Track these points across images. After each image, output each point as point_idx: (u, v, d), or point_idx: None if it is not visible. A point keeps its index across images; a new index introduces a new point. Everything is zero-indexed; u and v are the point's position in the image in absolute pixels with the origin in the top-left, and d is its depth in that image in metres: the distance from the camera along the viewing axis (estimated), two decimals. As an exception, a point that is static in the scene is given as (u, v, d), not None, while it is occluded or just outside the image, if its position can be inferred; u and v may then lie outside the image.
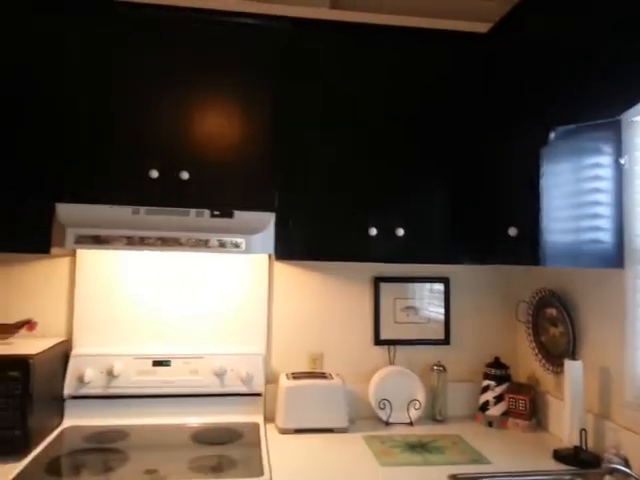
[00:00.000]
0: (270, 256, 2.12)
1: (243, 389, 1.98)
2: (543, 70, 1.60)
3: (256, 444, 1.74)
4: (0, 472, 1.46)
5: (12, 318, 1.93)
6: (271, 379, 2.09)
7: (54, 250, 1.70)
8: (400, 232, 1.83)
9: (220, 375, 1.97)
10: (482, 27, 1.96)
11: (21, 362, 1.58)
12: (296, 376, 1.99)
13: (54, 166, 1.68)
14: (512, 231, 1.63)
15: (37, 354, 1.64)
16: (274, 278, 2.15)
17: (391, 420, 2.02)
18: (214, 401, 1.98)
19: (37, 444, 1.66)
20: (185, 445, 1.72)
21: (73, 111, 1.70)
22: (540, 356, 2.04)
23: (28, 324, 1.82)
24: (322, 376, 1.99)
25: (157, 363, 1.96)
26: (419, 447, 1.79)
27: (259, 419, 1.97)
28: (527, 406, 1.99)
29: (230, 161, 1.78)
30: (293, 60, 1.84)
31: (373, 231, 1.82)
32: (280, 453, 1.70)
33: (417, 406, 2.04)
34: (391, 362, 2.17)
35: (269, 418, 2.00)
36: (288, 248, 1.82)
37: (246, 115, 1.79)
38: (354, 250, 1.84)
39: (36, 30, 1.69)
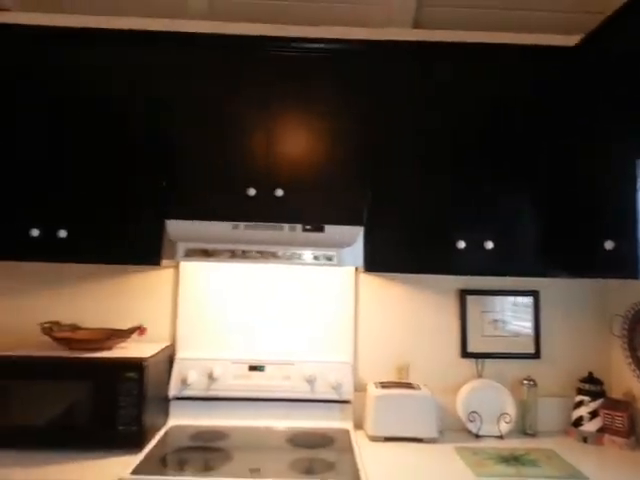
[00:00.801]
0: (357, 268, 2.19)
1: (333, 396, 2.05)
2: (641, 79, 1.56)
3: (349, 449, 1.81)
4: (122, 463, 1.62)
5: (123, 324, 2.13)
6: (358, 387, 2.15)
7: (163, 262, 1.87)
8: (489, 245, 1.84)
9: (311, 382, 2.06)
10: (568, 40, 1.94)
11: (137, 364, 1.74)
12: (385, 385, 2.03)
13: (164, 187, 1.85)
14: (609, 244, 1.60)
15: (149, 357, 1.80)
16: (360, 289, 2.21)
17: (481, 433, 2.01)
18: (305, 406, 2.06)
19: (149, 441, 1.81)
20: (282, 447, 1.82)
21: (180, 139, 1.87)
22: (638, 372, 1.96)
23: (139, 329, 2.00)
24: (410, 386, 2.02)
25: (252, 368, 2.08)
26: (512, 460, 1.77)
27: (349, 426, 2.04)
28: (625, 423, 1.92)
29: (320, 178, 1.87)
30: (379, 79, 1.91)
31: (461, 244, 1.84)
32: (373, 459, 1.75)
33: (507, 419, 2.02)
34: (479, 375, 2.17)
35: (357, 425, 2.06)
36: (376, 261, 1.88)
37: (335, 134, 1.89)
38: (441, 263, 1.87)
39: (142, 75, 1.88)
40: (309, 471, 1.62)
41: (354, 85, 1.90)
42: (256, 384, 2.06)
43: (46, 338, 1.92)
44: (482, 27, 2.16)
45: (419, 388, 2.01)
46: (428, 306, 2.21)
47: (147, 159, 1.86)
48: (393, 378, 2.17)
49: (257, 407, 2.06)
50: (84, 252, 1.82)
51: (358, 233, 1.84)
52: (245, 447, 1.81)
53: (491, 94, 1.91)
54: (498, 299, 2.19)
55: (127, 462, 1.63)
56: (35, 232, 1.80)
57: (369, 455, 1.79)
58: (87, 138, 1.86)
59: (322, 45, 1.91)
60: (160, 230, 1.83)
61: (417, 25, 2.18)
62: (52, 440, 1.71)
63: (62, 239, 1.81)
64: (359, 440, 1.94)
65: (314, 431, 1.99)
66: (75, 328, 1.99)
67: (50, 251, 1.82)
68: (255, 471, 1.60)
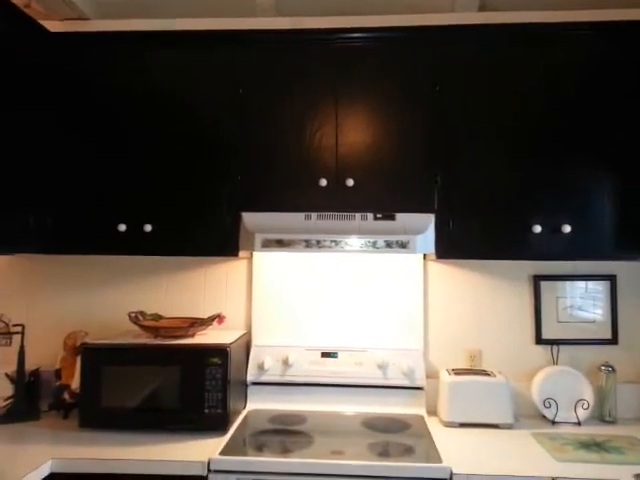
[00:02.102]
0: (425, 255, 2.20)
1: (405, 382, 2.08)
2: None
3: (426, 434, 1.83)
4: (210, 445, 1.72)
5: (202, 313, 2.23)
6: (430, 374, 2.16)
7: (240, 253, 1.95)
8: (567, 229, 1.80)
9: (383, 368, 2.10)
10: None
11: (221, 350, 1.83)
12: (457, 372, 2.04)
13: (239, 181, 1.92)
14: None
15: (231, 343, 1.89)
16: (429, 276, 2.22)
17: (557, 419, 1.99)
18: (378, 392, 2.10)
19: (232, 423, 1.90)
20: (359, 431, 1.87)
21: (254, 133, 1.93)
22: None
23: (219, 318, 2.09)
24: (484, 373, 2.02)
25: (325, 355, 2.14)
26: (594, 446, 1.75)
27: (422, 412, 2.06)
28: None
29: (390, 166, 1.89)
30: (446, 65, 1.90)
31: (537, 228, 1.82)
32: (450, 443, 1.77)
33: (585, 406, 1.99)
34: (554, 361, 2.13)
35: (430, 412, 2.08)
36: (448, 248, 1.88)
37: (404, 122, 1.90)
38: (517, 248, 1.85)
39: (217, 74, 1.95)
40: (389, 454, 1.66)
41: (421, 71, 1.90)
42: (329, 370, 2.12)
43: (133, 326, 2.04)
44: (549, 7, 2.10)
45: (494, 375, 2.00)
46: (500, 292, 2.19)
47: (223, 155, 1.94)
48: (464, 364, 2.17)
49: (330, 392, 2.11)
50: (167, 245, 1.93)
51: (430, 220, 1.85)
52: (323, 430, 1.86)
53: (566, 75, 1.86)
54: (573, 284, 2.15)
55: (214, 443, 1.72)
56: (122, 227, 1.92)
57: (445, 440, 1.81)
58: (168, 137, 1.95)
59: (387, 34, 1.92)
60: (237, 222, 1.91)
61: (482, 8, 2.15)
62: (145, 422, 1.83)
63: (147, 233, 1.92)
64: (433, 426, 1.95)
65: (388, 417, 2.02)
66: (158, 317, 2.11)
67: (136, 245, 1.93)
68: (338, 453, 1.66)
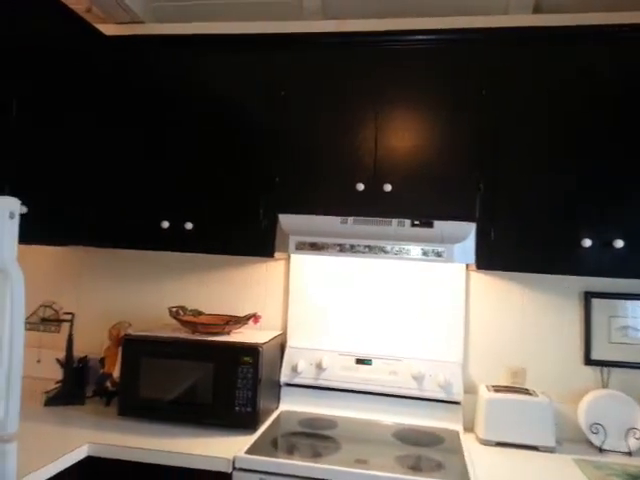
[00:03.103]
0: (467, 265, 2.12)
1: (441, 395, 2.01)
2: None
3: (458, 451, 1.76)
4: (238, 442, 1.73)
5: (240, 311, 2.27)
6: (468, 389, 2.08)
7: (276, 255, 1.96)
8: (619, 244, 1.68)
9: (418, 379, 2.04)
10: None
11: (253, 349, 1.85)
12: (497, 389, 1.95)
13: (279, 183, 1.94)
14: None
15: (264, 343, 1.90)
16: (471, 287, 2.14)
17: (605, 447, 1.85)
18: (412, 404, 2.05)
19: (262, 423, 1.92)
20: (388, 442, 1.82)
21: (294, 139, 1.94)
22: None
23: (254, 317, 2.12)
24: (526, 392, 1.92)
25: (359, 361, 2.10)
26: (642, 481, 1.61)
27: (458, 427, 1.99)
28: None
29: (431, 172, 1.84)
30: (493, 67, 1.82)
31: (587, 242, 1.70)
32: (483, 463, 1.69)
33: (637, 435, 1.84)
34: (604, 384, 1.99)
35: (467, 428, 2.00)
36: (489, 258, 1.81)
37: (447, 126, 1.84)
38: (565, 263, 1.74)
39: (263, 72, 1.98)
40: (416, 468, 1.61)
41: (467, 74, 1.83)
42: (363, 377, 2.08)
43: (173, 320, 2.10)
44: (603, 8, 1.96)
45: (536, 394, 1.89)
46: (547, 307, 2.07)
47: (263, 156, 1.96)
48: (505, 381, 2.07)
49: (363, 400, 2.08)
50: (205, 244, 1.98)
51: (470, 229, 1.78)
52: (352, 438, 1.84)
53: (617, 77, 1.73)
54: (629, 303, 1.99)
55: (242, 442, 1.74)
56: (165, 224, 1.99)
57: (479, 458, 1.73)
58: (210, 138, 2.00)
59: (434, 36, 1.87)
60: (274, 224, 1.92)
61: (537, 10, 2.05)
62: (178, 414, 1.88)
63: (188, 231, 1.98)
64: (469, 443, 1.88)
65: (421, 429, 1.97)
66: (198, 313, 2.16)
67: (177, 242, 1.99)
68: (362, 462, 1.63)
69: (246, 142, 1.97)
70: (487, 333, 2.11)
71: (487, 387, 1.97)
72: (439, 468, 1.62)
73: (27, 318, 2.15)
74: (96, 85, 2.07)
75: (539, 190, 1.77)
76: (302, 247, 1.85)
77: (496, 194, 1.81)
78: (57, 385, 2.11)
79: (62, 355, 2.14)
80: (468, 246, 1.80)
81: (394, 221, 1.82)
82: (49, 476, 1.49)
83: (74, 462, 1.60)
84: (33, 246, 2.37)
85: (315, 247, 1.84)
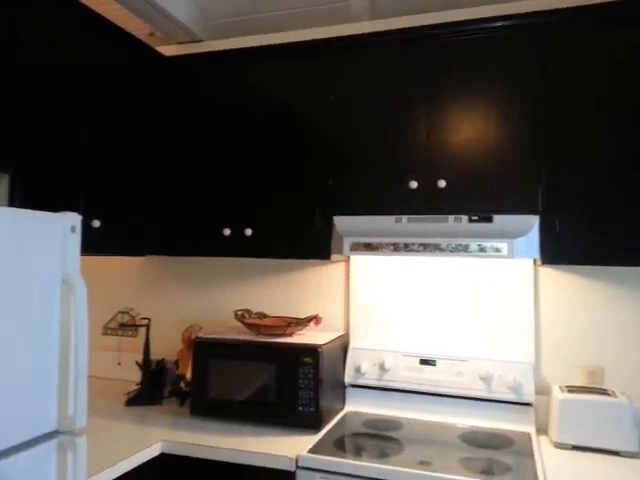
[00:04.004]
0: (535, 260, 2.01)
1: (511, 397, 1.93)
2: None
3: (529, 454, 1.68)
4: (301, 442, 1.77)
5: (302, 313, 2.31)
6: (540, 390, 1.98)
7: (333, 256, 1.98)
8: None
9: (486, 380, 1.97)
10: None
11: (313, 350, 1.88)
12: (571, 389, 1.84)
13: (332, 185, 1.96)
14: None
15: (324, 344, 1.92)
16: (540, 284, 2.03)
17: (698, 454, 1.69)
18: (480, 405, 1.98)
19: (326, 423, 1.94)
20: (455, 444, 1.78)
21: (346, 141, 1.95)
22: None
23: (315, 319, 2.15)
24: (603, 392, 1.79)
25: (423, 362, 2.07)
26: None
27: (530, 429, 1.90)
28: None
29: (487, 165, 1.78)
30: (554, 52, 1.73)
31: (665, 229, 1.57)
32: (556, 467, 1.61)
33: None
34: (696, 384, 1.82)
35: (540, 430, 1.90)
36: (556, 252, 1.71)
37: (504, 116, 1.77)
38: (636, 254, 1.61)
39: (314, 77, 2.01)
40: (483, 471, 1.56)
41: (525, 61, 1.76)
42: (427, 378, 2.05)
43: (238, 323, 2.18)
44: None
45: (614, 395, 1.77)
46: (623, 302, 1.92)
47: (315, 160, 1.99)
48: (581, 381, 1.95)
49: (428, 401, 2.04)
50: (265, 249, 2.04)
51: (532, 222, 1.70)
52: (417, 439, 1.81)
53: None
54: None
55: (305, 441, 1.77)
56: (227, 231, 2.07)
57: (553, 463, 1.64)
58: (265, 146, 2.06)
59: (488, 24, 1.80)
60: (329, 226, 1.94)
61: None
62: (245, 414, 1.95)
63: (248, 237, 2.05)
64: (542, 446, 1.79)
65: (490, 431, 1.90)
66: (262, 316, 2.23)
67: (238, 248, 2.07)
68: (425, 464, 1.60)
69: (300, 147, 2.01)
70: (559, 331, 2.00)
71: (560, 387, 1.87)
72: (507, 471, 1.56)
73: (106, 324, 2.33)
74: (157, 102, 2.20)
75: (605, 179, 1.66)
76: (356, 248, 1.86)
77: (560, 184, 1.71)
78: (137, 386, 2.25)
79: (141, 358, 2.28)
80: (531, 240, 1.72)
81: (450, 217, 1.78)
82: (126, 470, 1.60)
83: (149, 458, 1.71)
84: (111, 257, 2.56)
85: (369, 247, 1.84)
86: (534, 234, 1.71)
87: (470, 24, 1.81)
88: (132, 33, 2.04)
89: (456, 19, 1.86)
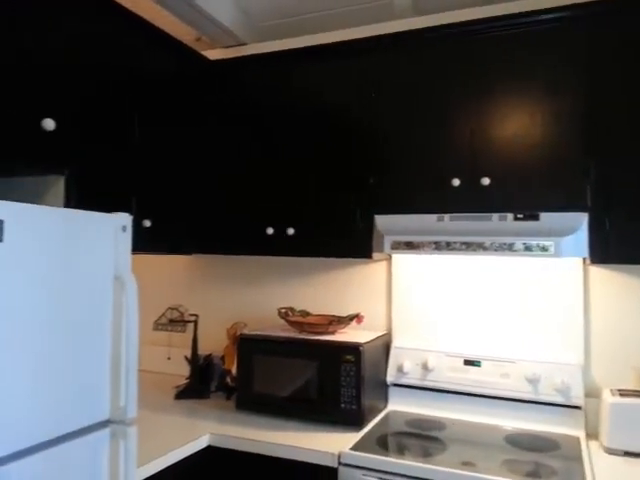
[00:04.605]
0: (584, 259, 1.95)
1: (559, 399, 1.88)
2: None
3: (577, 459, 1.64)
4: (343, 439, 1.78)
5: (344, 312, 2.32)
6: (590, 392, 1.91)
7: (374, 255, 1.98)
8: None
9: (533, 382, 1.92)
10: None
11: (355, 349, 1.89)
12: (623, 393, 1.77)
13: (373, 184, 1.96)
14: None
15: (366, 343, 1.93)
16: (590, 283, 1.96)
17: None
18: (526, 407, 1.94)
19: (369, 421, 1.94)
20: (499, 445, 1.75)
21: (387, 139, 1.95)
22: None
23: (357, 317, 2.16)
24: (658, 396, 1.72)
25: (468, 362, 2.04)
26: None
27: (578, 433, 1.84)
28: None
29: (533, 162, 1.74)
30: (602, 44, 1.67)
31: None
32: (607, 474, 1.55)
33: None
34: None
35: (591, 434, 1.84)
36: (606, 251, 1.65)
37: (550, 111, 1.72)
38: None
39: (357, 76, 2.01)
40: (528, 474, 1.53)
41: (572, 54, 1.70)
42: (472, 379, 2.02)
43: (281, 321, 2.22)
44: None
45: (671, 400, 1.69)
46: (682, 303, 1.83)
47: (357, 159, 2.00)
48: (634, 385, 1.87)
49: (473, 402, 2.02)
50: (307, 247, 2.07)
51: (581, 220, 1.65)
52: (461, 440, 1.79)
53: None
54: None
55: (348, 438, 1.79)
56: (270, 230, 2.11)
57: (603, 468, 1.59)
58: (307, 146, 2.09)
59: (533, 17, 1.76)
60: (370, 225, 1.95)
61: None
62: (288, 409, 1.98)
63: (290, 236, 2.08)
64: (592, 451, 1.73)
65: (536, 434, 1.85)
66: (305, 314, 2.26)
67: (281, 247, 2.11)
68: (469, 465, 1.58)
69: (342, 146, 2.03)
70: (610, 332, 1.92)
71: (612, 391, 1.80)
72: (553, 475, 1.52)
73: (157, 320, 2.42)
74: (204, 105, 2.27)
75: (661, 172, 1.58)
76: (397, 246, 1.86)
77: (610, 180, 1.65)
78: (185, 381, 2.34)
79: (189, 353, 2.36)
80: (580, 238, 1.67)
81: (495, 216, 1.75)
82: (175, 460, 1.67)
83: (197, 450, 1.77)
84: (160, 256, 2.66)
85: (410, 246, 1.83)
86: (582, 232, 1.66)
87: (513, 18, 1.77)
88: (180, 39, 2.11)
89: (499, 14, 1.82)
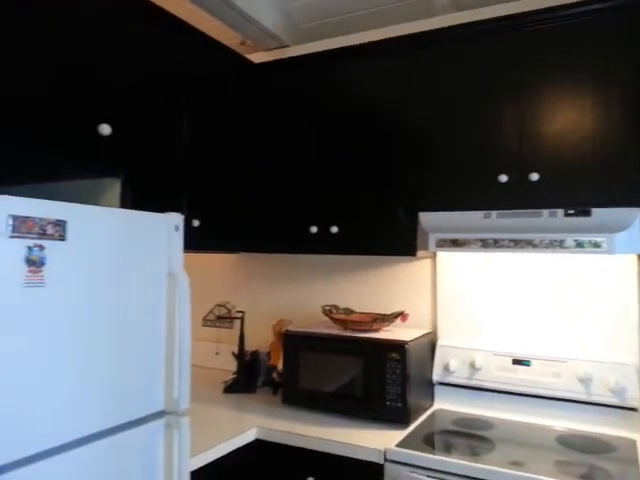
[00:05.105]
0: (639, 256, 1.88)
1: (613, 400, 1.82)
2: None
3: (633, 461, 1.58)
4: (389, 436, 1.79)
5: (388, 309, 2.32)
6: (648, 394, 1.84)
7: (419, 253, 1.97)
8: None
9: (585, 382, 1.87)
10: None
11: (400, 346, 1.89)
12: (682, 395, 1.70)
13: (416, 182, 1.96)
14: None
15: (411, 341, 1.93)
16: (647, 280, 1.89)
17: None
18: (578, 408, 1.89)
19: (414, 419, 1.94)
20: (550, 446, 1.71)
21: (432, 136, 1.94)
22: None
23: (402, 315, 2.15)
24: None
25: (516, 362, 2.00)
26: None
27: (634, 436, 1.78)
28: None
29: (584, 156, 1.69)
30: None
31: None
32: (663, 479, 1.50)
33: None
34: None
35: (648, 438, 1.78)
36: (663, 246, 1.59)
37: (600, 103, 1.67)
38: None
39: (399, 74, 2.01)
40: (582, 476, 1.49)
41: (622, 46, 1.65)
42: (521, 379, 1.98)
43: (326, 318, 2.25)
44: None
45: None
46: None
47: (401, 156, 2.00)
48: (699, 388, 1.79)
49: (522, 402, 1.98)
50: (351, 245, 2.08)
51: (634, 215, 1.60)
52: (510, 440, 1.76)
53: None
54: None
55: (394, 435, 1.79)
56: (314, 229, 2.14)
57: (660, 473, 1.53)
58: (350, 143, 2.10)
59: (580, 9, 1.71)
60: (414, 223, 1.94)
61: None
62: (333, 405, 2.00)
63: (334, 234, 2.10)
64: (648, 454, 1.67)
65: (588, 435, 1.80)
66: (349, 312, 2.27)
67: (325, 245, 2.13)
68: (518, 464, 1.56)
69: (385, 143, 2.03)
70: (669, 332, 1.85)
71: (671, 393, 1.73)
72: (608, 478, 1.48)
73: (205, 316, 2.49)
74: (249, 107, 2.32)
75: None
76: (443, 244, 1.84)
77: (668, 173, 1.58)
78: (233, 376, 2.40)
79: (236, 349, 2.42)
80: (634, 234, 1.61)
81: (545, 212, 1.71)
82: (224, 453, 1.72)
83: (245, 443, 1.82)
84: (209, 254, 2.73)
85: (456, 244, 1.81)
86: (636, 228, 1.60)
87: (558, 10, 1.73)
88: (226, 43, 2.17)
89: (543, 6, 1.77)
